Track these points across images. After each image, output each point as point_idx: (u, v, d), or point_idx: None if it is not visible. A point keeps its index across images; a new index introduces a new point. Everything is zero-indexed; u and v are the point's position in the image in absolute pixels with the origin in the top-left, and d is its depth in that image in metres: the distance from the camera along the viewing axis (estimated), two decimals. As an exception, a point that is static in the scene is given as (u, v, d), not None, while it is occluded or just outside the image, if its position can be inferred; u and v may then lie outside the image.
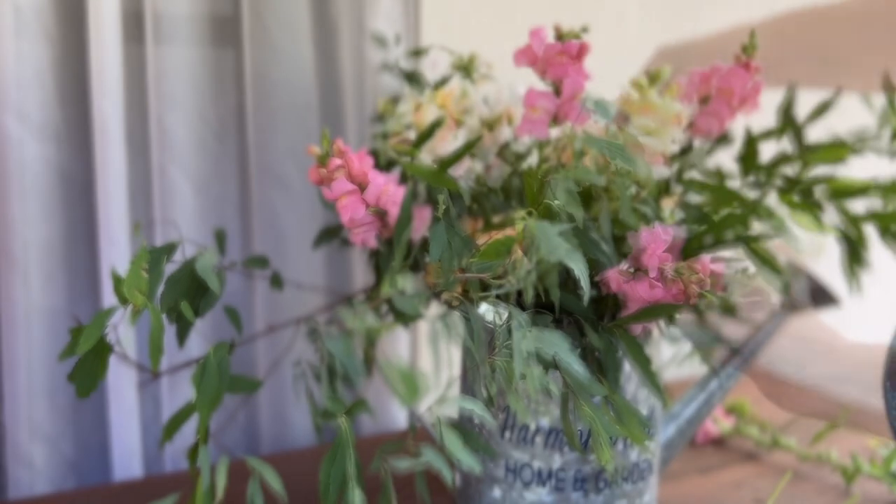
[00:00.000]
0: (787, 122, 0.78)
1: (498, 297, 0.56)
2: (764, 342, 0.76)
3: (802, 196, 0.71)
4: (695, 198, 0.73)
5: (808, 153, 0.73)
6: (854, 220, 0.75)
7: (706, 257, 0.58)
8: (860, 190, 0.73)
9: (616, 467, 0.67)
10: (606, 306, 0.63)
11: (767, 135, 0.76)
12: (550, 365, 0.55)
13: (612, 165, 0.66)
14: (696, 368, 0.92)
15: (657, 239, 0.58)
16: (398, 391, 0.43)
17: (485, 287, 0.55)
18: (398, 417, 1.01)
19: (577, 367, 0.52)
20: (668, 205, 0.73)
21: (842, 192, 0.74)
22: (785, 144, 0.77)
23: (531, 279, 0.50)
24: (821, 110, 0.78)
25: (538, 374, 0.52)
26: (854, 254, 0.76)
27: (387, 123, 0.77)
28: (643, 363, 0.61)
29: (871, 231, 0.78)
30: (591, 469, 0.67)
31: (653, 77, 0.69)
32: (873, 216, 0.74)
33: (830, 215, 0.76)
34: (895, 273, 1.06)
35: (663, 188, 0.72)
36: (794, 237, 0.62)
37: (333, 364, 0.57)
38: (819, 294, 0.79)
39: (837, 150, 0.70)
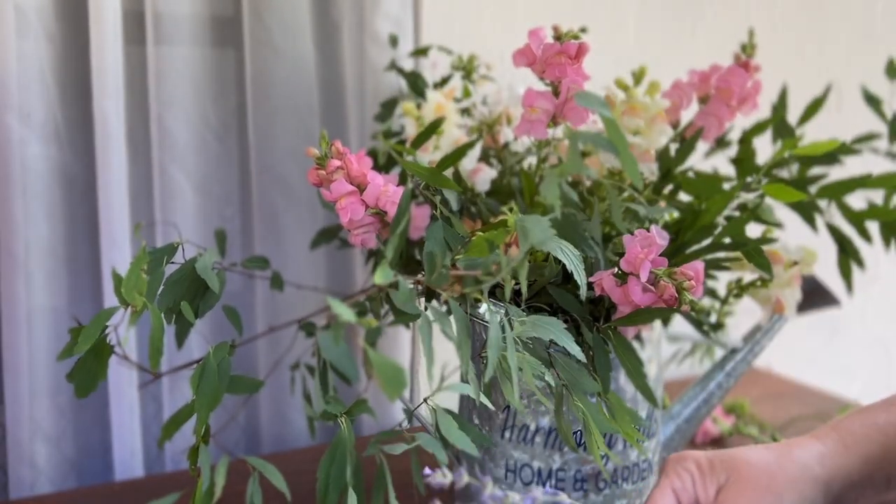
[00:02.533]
0: (778, 117, 0.78)
1: (493, 294, 0.56)
2: (763, 343, 0.76)
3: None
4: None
5: (796, 146, 0.72)
6: (856, 217, 0.75)
7: (699, 263, 0.58)
8: (856, 186, 0.73)
9: (613, 466, 0.67)
10: (602, 307, 0.63)
11: (760, 128, 0.75)
12: (546, 362, 0.55)
13: (602, 167, 0.66)
14: (696, 368, 0.92)
15: (652, 243, 0.58)
16: (381, 383, 0.43)
17: (479, 284, 0.55)
18: (399, 416, 1.01)
19: (572, 348, 0.52)
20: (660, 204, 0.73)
21: (838, 189, 0.74)
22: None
23: (511, 270, 0.50)
24: (814, 108, 0.78)
25: (533, 364, 0.52)
26: (847, 252, 0.76)
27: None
28: (634, 366, 0.61)
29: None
30: (590, 469, 0.67)
31: (637, 76, 0.69)
32: (874, 211, 0.74)
33: (827, 216, 0.76)
34: (894, 271, 1.06)
35: (658, 187, 0.72)
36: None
37: (328, 363, 0.57)
38: (818, 294, 0.79)
39: (828, 144, 0.69)
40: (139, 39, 0.86)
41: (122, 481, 0.86)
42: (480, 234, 0.53)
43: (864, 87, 0.80)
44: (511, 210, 0.53)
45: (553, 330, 0.52)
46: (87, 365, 0.55)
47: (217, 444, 0.92)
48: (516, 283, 0.53)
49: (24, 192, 0.81)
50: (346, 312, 0.43)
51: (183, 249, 0.61)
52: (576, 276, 0.53)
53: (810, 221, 0.74)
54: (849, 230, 0.77)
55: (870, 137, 0.79)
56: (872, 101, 0.79)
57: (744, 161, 0.75)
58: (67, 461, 0.87)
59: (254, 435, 0.97)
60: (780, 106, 0.80)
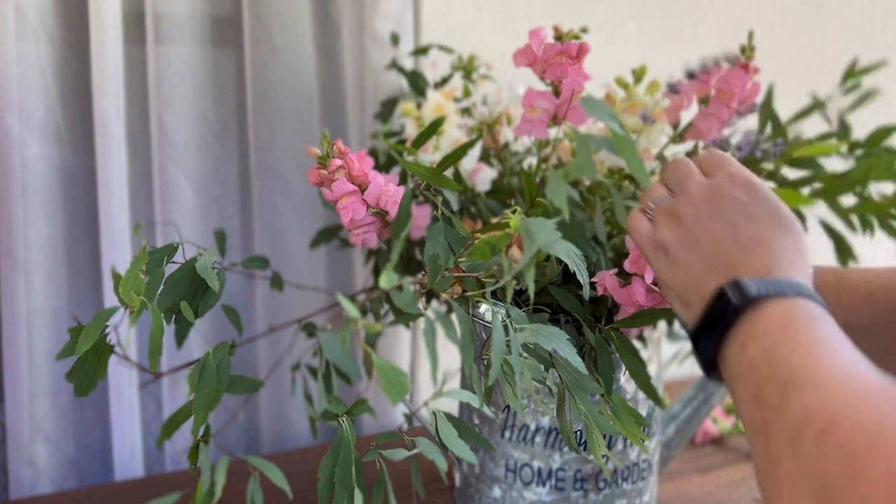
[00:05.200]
0: (769, 117, 0.78)
1: (494, 295, 0.56)
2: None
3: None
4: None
5: (791, 145, 0.72)
6: (844, 212, 0.75)
7: None
8: (854, 185, 0.73)
9: (613, 466, 0.67)
10: (605, 308, 0.63)
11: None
12: (547, 363, 0.55)
13: (602, 166, 0.66)
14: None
15: None
16: (385, 388, 0.43)
17: (480, 285, 0.55)
18: (399, 416, 1.01)
19: (574, 359, 0.52)
20: None
21: (831, 189, 0.74)
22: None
23: (515, 273, 0.50)
24: (812, 108, 0.78)
25: (534, 367, 0.52)
26: (842, 249, 0.76)
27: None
28: (637, 366, 0.61)
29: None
30: (591, 469, 0.67)
31: (637, 75, 0.69)
32: (864, 206, 0.74)
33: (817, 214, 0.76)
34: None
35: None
36: None
37: (330, 363, 0.57)
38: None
39: (827, 147, 0.69)
40: (139, 39, 0.86)
41: (122, 481, 0.86)
42: (482, 236, 0.52)
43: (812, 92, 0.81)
44: (514, 211, 0.53)
45: (555, 339, 0.52)
46: (86, 364, 0.55)
47: (217, 444, 0.92)
48: (517, 284, 0.53)
49: (24, 192, 0.81)
50: (354, 310, 0.43)
51: (183, 249, 0.61)
52: (579, 277, 0.53)
53: (801, 220, 0.74)
54: (844, 228, 0.77)
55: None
56: (820, 106, 0.80)
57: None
58: (67, 461, 0.87)
59: (254, 435, 0.97)
60: (767, 104, 0.80)
